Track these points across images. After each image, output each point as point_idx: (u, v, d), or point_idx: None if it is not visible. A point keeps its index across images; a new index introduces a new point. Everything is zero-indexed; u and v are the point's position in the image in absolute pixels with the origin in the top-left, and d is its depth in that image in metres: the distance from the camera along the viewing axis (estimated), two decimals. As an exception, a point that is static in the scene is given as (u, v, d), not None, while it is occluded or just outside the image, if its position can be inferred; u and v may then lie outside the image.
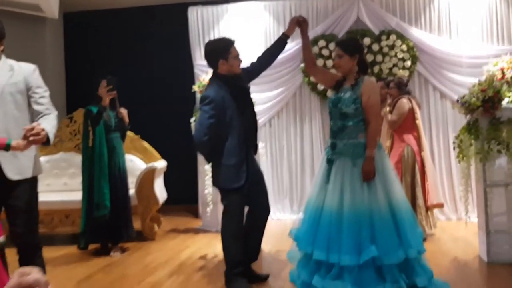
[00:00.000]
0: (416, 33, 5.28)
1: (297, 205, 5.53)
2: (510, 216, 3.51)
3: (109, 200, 4.05)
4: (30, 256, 2.53)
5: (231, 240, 3.03)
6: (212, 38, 5.75)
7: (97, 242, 4.23)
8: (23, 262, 2.50)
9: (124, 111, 4.33)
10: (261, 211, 3.18)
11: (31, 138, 2.21)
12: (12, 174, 2.44)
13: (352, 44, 3.08)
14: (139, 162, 5.08)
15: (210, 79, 3.13)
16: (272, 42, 5.43)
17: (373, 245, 2.69)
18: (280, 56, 3.61)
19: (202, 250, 4.20)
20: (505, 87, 3.67)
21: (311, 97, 5.54)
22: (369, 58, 5.26)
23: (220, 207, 4.77)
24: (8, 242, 2.33)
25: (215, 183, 3.10)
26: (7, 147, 2.23)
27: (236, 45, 3.07)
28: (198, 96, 5.30)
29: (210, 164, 3.18)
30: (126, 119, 4.34)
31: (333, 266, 2.78)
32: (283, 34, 3.29)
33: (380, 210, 2.77)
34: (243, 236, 3.07)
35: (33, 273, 0.92)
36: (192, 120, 5.11)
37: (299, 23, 3.17)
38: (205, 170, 4.61)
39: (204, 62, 5.54)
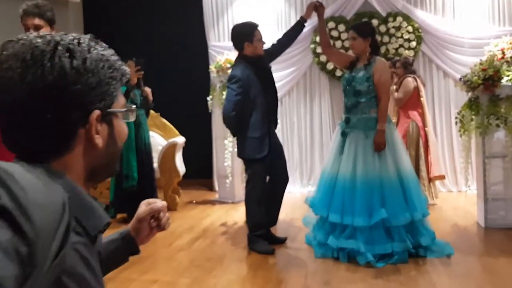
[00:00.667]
0: (421, 15, 5.53)
1: (307, 179, 5.86)
2: (506, 185, 3.85)
3: (136, 172, 4.39)
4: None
5: (254, 206, 3.38)
6: (225, 20, 6.04)
7: (124, 212, 4.58)
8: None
9: (148, 90, 4.63)
10: (281, 180, 3.52)
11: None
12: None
13: (365, 27, 3.38)
14: (159, 138, 5.40)
15: (236, 60, 3.42)
16: (283, 23, 5.81)
17: (383, 209, 3.04)
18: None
19: (222, 219, 4.54)
20: (504, 66, 3.95)
21: (321, 76, 5.82)
22: (377, 37, 5.51)
23: (237, 180, 5.16)
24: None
25: (240, 154, 3.43)
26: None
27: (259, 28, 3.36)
28: (212, 76, 5.57)
29: (235, 137, 3.51)
30: (150, 97, 4.65)
31: (347, 227, 3.13)
32: (301, 18, 3.57)
33: (389, 178, 3.11)
34: (265, 202, 3.41)
35: (158, 201, 1.20)
36: (208, 98, 5.41)
37: (316, 7, 3.45)
38: (225, 144, 4.92)
39: (218, 43, 5.96)
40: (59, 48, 0.73)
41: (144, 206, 1.15)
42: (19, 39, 0.74)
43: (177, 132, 5.46)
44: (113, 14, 6.35)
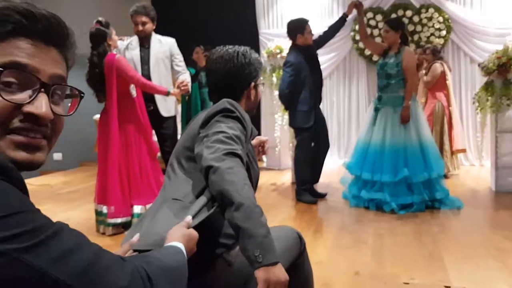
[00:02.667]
0: (451, 7, 6.16)
1: (344, 152, 6.66)
2: (515, 156, 4.54)
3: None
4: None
5: (302, 165, 4.23)
6: (275, 10, 6.83)
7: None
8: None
9: (211, 71, 5.52)
10: (323, 146, 4.34)
11: (182, 88, 3.43)
12: (164, 112, 3.69)
13: (397, 22, 4.11)
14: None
15: (290, 48, 4.23)
16: (326, 13, 6.55)
17: (406, 168, 3.82)
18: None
19: (271, 180, 5.42)
20: None
21: (359, 61, 6.57)
22: (410, 28, 6.20)
23: (283, 150, 6.01)
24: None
25: (291, 123, 4.27)
26: (167, 93, 3.45)
27: (309, 23, 4.16)
28: (263, 60, 6.39)
29: (287, 111, 4.34)
30: (212, 78, 5.54)
31: (376, 183, 3.94)
32: (343, 14, 4.33)
33: (412, 144, 3.88)
34: (310, 163, 4.25)
35: (263, 137, 2.03)
36: (260, 78, 6.24)
37: (356, 5, 4.20)
38: (275, 119, 5.77)
39: (268, 31, 6.76)
40: (239, 53, 1.59)
41: (255, 141, 2.00)
42: (220, 50, 1.61)
43: (231, 108, 6.34)
44: (178, 3, 7.23)
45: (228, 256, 1.37)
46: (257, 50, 6.65)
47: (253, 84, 1.64)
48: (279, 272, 1.15)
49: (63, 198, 4.77)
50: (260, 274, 1.14)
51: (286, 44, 5.51)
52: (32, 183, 5.53)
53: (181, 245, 0.95)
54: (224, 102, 1.47)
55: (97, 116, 5.83)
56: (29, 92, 0.69)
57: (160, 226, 1.20)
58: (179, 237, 1.01)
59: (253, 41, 6.86)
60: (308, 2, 6.61)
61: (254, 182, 1.52)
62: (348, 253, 2.89)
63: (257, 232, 1.17)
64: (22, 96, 0.69)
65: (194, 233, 1.08)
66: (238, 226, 1.18)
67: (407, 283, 2.39)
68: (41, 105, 0.69)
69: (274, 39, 6.23)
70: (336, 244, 3.06)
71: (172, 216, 1.26)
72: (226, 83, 1.60)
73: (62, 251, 0.59)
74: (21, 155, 0.68)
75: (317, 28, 4.94)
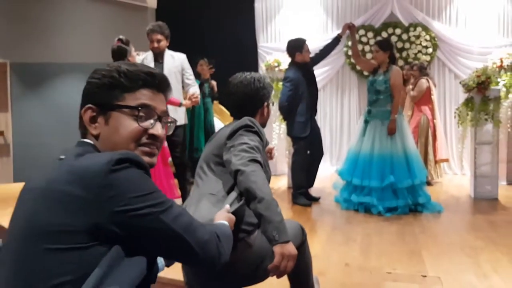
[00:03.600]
0: (438, 26, 6.63)
1: (336, 159, 7.08)
2: (492, 166, 4.98)
3: (204, 145, 5.69)
4: (183, 171, 4.21)
5: (298, 170, 4.63)
6: (273, 24, 7.26)
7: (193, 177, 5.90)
8: (179, 174, 4.18)
9: (214, 83, 5.92)
10: (318, 153, 4.76)
11: (193, 99, 3.83)
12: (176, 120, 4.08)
13: (386, 43, 4.55)
14: (218, 121, 6.68)
15: (289, 65, 4.65)
16: (322, 28, 6.98)
17: (391, 175, 4.24)
18: (327, 42, 5.08)
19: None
20: (493, 75, 5.05)
21: (351, 75, 7.01)
22: (399, 45, 6.66)
23: (280, 157, 6.41)
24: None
25: (289, 133, 4.68)
26: (180, 105, 3.85)
27: (307, 42, 4.58)
28: (261, 72, 6.80)
29: (285, 121, 4.75)
30: (215, 89, 5.94)
31: (365, 188, 4.35)
32: (338, 34, 4.77)
33: (397, 153, 4.31)
34: (306, 169, 4.66)
35: (270, 145, 2.45)
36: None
37: (350, 27, 4.63)
38: (273, 128, 6.17)
39: (267, 44, 7.18)
40: (255, 79, 1.99)
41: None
42: (239, 76, 2.01)
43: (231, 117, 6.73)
44: (182, 17, 7.63)
45: (249, 240, 1.76)
46: (256, 63, 7.09)
47: (266, 104, 2.05)
48: (291, 248, 1.56)
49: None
50: (277, 249, 1.55)
51: (283, 57, 5.94)
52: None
53: (226, 223, 1.35)
54: (246, 120, 1.87)
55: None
56: (151, 121, 1.10)
57: (205, 213, 1.60)
58: (224, 218, 1.41)
59: (252, 54, 7.29)
60: (305, 18, 7.06)
61: (268, 181, 1.93)
62: (339, 248, 3.29)
63: (275, 218, 1.58)
64: (147, 124, 1.09)
65: (233, 216, 1.48)
66: (261, 214, 1.59)
67: (390, 273, 2.79)
68: (158, 129, 1.10)
69: (273, 53, 6.66)
70: (329, 241, 3.46)
71: (211, 206, 1.66)
72: (245, 103, 2.00)
73: (177, 214, 1.00)
74: (146, 159, 1.08)
75: (313, 43, 5.39)
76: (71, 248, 0.88)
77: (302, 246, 2.01)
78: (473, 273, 2.82)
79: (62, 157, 1.07)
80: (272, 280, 1.84)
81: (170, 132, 1.21)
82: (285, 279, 2.03)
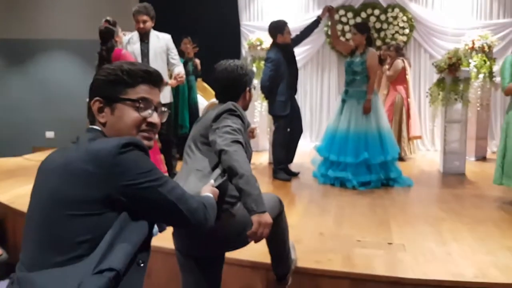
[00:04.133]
0: (414, 8, 6.85)
1: (315, 136, 7.34)
2: (460, 143, 5.30)
3: (188, 122, 5.88)
4: (168, 147, 4.41)
5: (278, 147, 4.87)
6: (256, 3, 7.38)
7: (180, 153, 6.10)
8: (165, 150, 4.38)
9: (197, 61, 6.07)
10: (298, 131, 5.00)
11: (179, 79, 4.00)
12: (161, 99, 4.25)
13: (363, 26, 4.76)
14: (200, 98, 6.85)
15: (271, 45, 4.83)
16: (303, 7, 7.13)
17: (366, 152, 4.51)
18: (307, 22, 5.28)
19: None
20: (463, 57, 5.32)
21: (331, 54, 7.22)
22: (377, 25, 6.88)
23: (261, 134, 6.64)
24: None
25: (270, 111, 4.90)
26: (166, 84, 4.02)
27: (288, 25, 4.76)
28: (244, 50, 6.96)
29: (267, 100, 4.96)
30: (199, 67, 6.09)
31: (341, 164, 4.62)
32: (318, 17, 4.96)
33: (372, 131, 4.57)
34: (286, 145, 4.90)
35: (253, 126, 2.66)
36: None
37: (329, 10, 4.83)
38: (255, 106, 6.38)
39: (249, 23, 7.31)
40: (238, 67, 2.20)
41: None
42: (224, 63, 2.21)
43: (214, 94, 6.91)
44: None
45: (232, 210, 1.99)
46: (239, 41, 7.23)
47: (248, 89, 2.26)
48: (267, 217, 1.81)
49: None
50: (255, 218, 1.79)
51: (266, 36, 6.08)
52: (32, 158, 6.02)
53: (211, 195, 1.58)
54: (229, 104, 2.09)
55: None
56: (149, 111, 1.31)
57: (192, 186, 1.82)
58: (209, 191, 1.64)
59: (235, 33, 7.42)
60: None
61: (249, 159, 2.15)
62: (315, 219, 3.58)
63: (253, 192, 1.81)
64: (146, 113, 1.30)
65: (217, 190, 1.72)
66: (241, 188, 1.82)
67: (359, 241, 3.08)
68: (155, 117, 1.31)
69: (255, 31, 6.81)
70: (305, 213, 3.74)
71: (197, 180, 1.88)
72: (229, 88, 2.21)
73: (171, 187, 1.23)
74: (146, 142, 1.30)
75: (294, 22, 5.57)
76: (89, 214, 1.10)
77: (280, 216, 2.27)
78: (433, 240, 3.13)
79: (75, 141, 1.28)
80: (254, 246, 2.09)
81: (164, 120, 1.42)
82: (265, 245, 2.29)
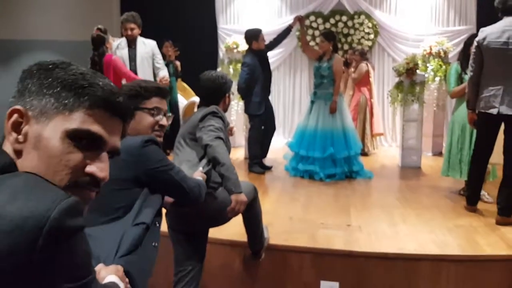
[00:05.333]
0: (379, 15, 7.42)
1: (287, 133, 7.86)
2: (417, 139, 5.89)
3: (170, 121, 6.30)
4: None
5: (254, 143, 5.37)
6: (232, 7, 7.82)
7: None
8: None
9: (178, 63, 6.49)
10: (271, 128, 5.51)
11: (164, 82, 4.44)
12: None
13: (330, 34, 5.28)
14: (180, 97, 7.27)
15: (247, 51, 5.31)
16: (275, 12, 7.62)
17: (331, 147, 5.05)
18: (280, 26, 5.77)
19: (227, 156, 6.51)
20: (420, 61, 5.92)
21: (302, 57, 7.74)
22: (345, 31, 7.44)
23: (237, 131, 7.10)
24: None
25: (246, 110, 5.39)
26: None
27: (262, 32, 5.25)
28: (221, 53, 7.40)
29: (243, 100, 5.44)
30: (179, 69, 6.52)
31: (310, 158, 5.15)
32: (289, 25, 5.47)
33: (337, 129, 5.11)
34: (260, 142, 5.40)
35: (231, 125, 3.13)
36: (219, 69, 7.27)
37: (300, 19, 5.34)
38: (232, 105, 6.83)
39: (226, 26, 7.76)
40: (220, 76, 2.68)
41: None
42: (208, 73, 2.68)
43: (193, 93, 7.33)
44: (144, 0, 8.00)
45: (214, 193, 2.47)
46: (216, 44, 7.67)
47: (227, 94, 2.73)
48: (242, 197, 2.31)
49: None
50: (233, 197, 2.29)
51: (242, 40, 6.54)
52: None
53: (201, 179, 2.06)
54: (213, 108, 2.56)
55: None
56: (160, 116, 1.78)
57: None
58: (199, 175, 2.12)
59: (213, 36, 7.84)
60: (261, 3, 7.67)
61: (228, 151, 2.63)
62: (285, 206, 4.09)
63: (232, 177, 2.30)
64: (158, 118, 1.77)
65: (205, 175, 2.20)
66: (223, 174, 2.31)
67: (323, 223, 3.60)
68: (164, 121, 1.78)
69: (232, 35, 7.26)
70: (277, 201, 4.25)
71: (188, 168, 2.35)
72: (211, 94, 2.68)
73: (177, 170, 1.71)
74: (158, 139, 1.76)
75: (268, 26, 6.09)
76: (124, 189, 1.56)
77: (254, 201, 2.75)
78: (386, 223, 3.68)
79: None
80: (233, 228, 2.58)
81: (170, 122, 1.89)
82: (243, 227, 2.78)
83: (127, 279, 1.14)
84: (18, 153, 0.78)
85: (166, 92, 1.85)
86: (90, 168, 0.81)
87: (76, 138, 0.79)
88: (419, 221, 3.72)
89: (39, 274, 0.64)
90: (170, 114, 1.89)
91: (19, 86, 0.81)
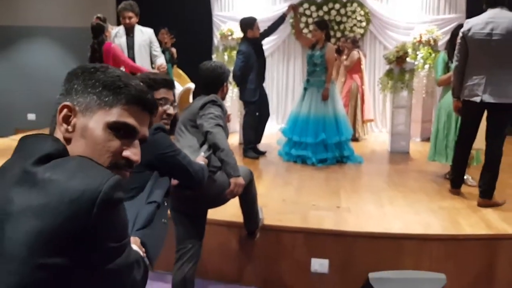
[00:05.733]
0: (371, 3, 7.56)
1: (281, 119, 8.03)
2: (405, 125, 6.09)
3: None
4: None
5: (248, 129, 5.54)
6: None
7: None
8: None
9: (173, 50, 6.61)
10: (265, 115, 5.68)
11: (161, 69, 4.58)
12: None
13: (323, 23, 5.42)
14: (176, 84, 7.39)
15: (242, 39, 5.45)
16: (269, 1, 7.72)
17: (323, 133, 5.24)
18: (274, 14, 5.88)
19: (222, 141, 6.68)
20: (410, 50, 6.09)
21: (296, 44, 7.87)
22: (338, 18, 7.58)
23: (233, 117, 7.24)
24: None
25: (241, 97, 5.55)
26: (150, 74, 4.58)
27: (257, 21, 5.38)
28: (216, 40, 7.51)
29: (238, 87, 5.60)
30: (175, 55, 6.64)
31: (302, 143, 5.33)
32: (283, 13, 5.60)
33: (329, 115, 5.29)
34: (255, 128, 5.57)
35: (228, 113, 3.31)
36: (213, 56, 7.40)
37: (294, 8, 5.47)
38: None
39: (221, 13, 7.85)
40: (218, 66, 2.84)
41: None
42: (207, 64, 2.84)
43: (189, 80, 7.47)
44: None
45: (214, 177, 2.65)
46: (211, 31, 7.78)
47: (225, 83, 2.89)
48: (240, 180, 2.49)
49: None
50: (232, 180, 2.47)
51: (236, 27, 6.66)
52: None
53: (203, 163, 2.24)
54: (212, 96, 2.72)
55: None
56: (167, 105, 1.94)
57: None
58: (201, 160, 2.29)
59: (208, 23, 7.94)
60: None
61: (226, 136, 2.81)
62: (279, 189, 4.28)
63: (231, 161, 2.48)
64: (165, 107, 1.93)
65: (206, 160, 2.38)
66: (222, 159, 2.49)
67: (314, 205, 3.80)
68: (171, 110, 1.95)
69: (227, 22, 7.36)
70: (271, 184, 4.44)
71: (190, 154, 2.52)
72: (210, 83, 2.84)
73: (184, 155, 1.89)
74: (166, 127, 1.93)
75: (263, 14, 6.21)
76: (137, 172, 1.72)
77: (250, 184, 2.94)
78: (373, 204, 3.89)
79: None
80: (229, 210, 2.76)
81: (176, 111, 2.05)
82: (239, 208, 2.97)
83: (143, 249, 1.32)
84: (68, 141, 0.96)
85: (172, 83, 2.02)
86: (126, 153, 1.00)
87: (115, 128, 0.97)
88: (405, 203, 3.94)
89: (92, 235, 0.81)
90: (175, 104, 2.05)
91: (66, 86, 0.98)
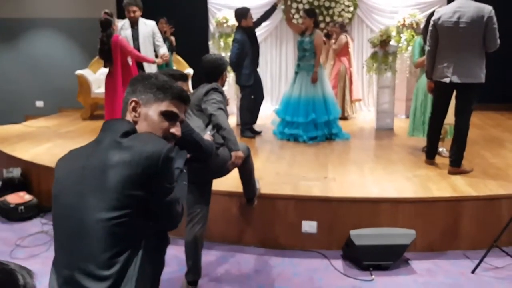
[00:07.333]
0: (358, -12, 7.99)
1: (275, 100, 8.52)
2: (390, 104, 6.60)
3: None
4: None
5: (245, 111, 6.04)
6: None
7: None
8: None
9: (173, 38, 7.05)
10: (260, 97, 6.17)
11: (164, 58, 5.05)
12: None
13: (311, 11, 5.88)
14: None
15: (237, 28, 5.91)
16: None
17: (313, 113, 5.74)
18: (266, 1, 6.32)
19: (221, 123, 7.18)
20: (394, 33, 6.55)
21: (287, 29, 8.28)
22: (326, 4, 8.00)
23: (230, 100, 7.72)
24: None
25: (237, 82, 6.04)
26: (154, 62, 5.05)
27: (250, 11, 5.83)
28: (212, 27, 7.93)
29: (235, 72, 6.07)
30: (174, 43, 7.09)
31: (294, 123, 5.84)
32: (274, 3, 6.05)
33: (318, 96, 5.79)
34: (251, 109, 6.07)
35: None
36: (210, 43, 7.83)
37: (283, -2, 5.93)
38: (223, 75, 7.44)
39: (216, 1, 8.25)
40: (219, 58, 3.33)
41: None
42: (208, 56, 3.34)
43: (187, 65, 7.92)
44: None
45: (217, 151, 3.16)
46: (206, 19, 8.19)
47: (224, 73, 3.38)
48: (240, 153, 3.02)
49: (64, 136, 6.23)
50: (233, 153, 2.99)
51: (231, 15, 7.09)
52: (31, 125, 6.94)
53: (211, 141, 2.75)
54: (214, 84, 3.22)
55: (79, 71, 7.27)
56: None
57: None
58: (208, 137, 2.81)
59: (203, 10, 8.34)
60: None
61: (227, 118, 3.31)
62: (273, 164, 4.81)
63: (231, 138, 3.00)
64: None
65: (213, 137, 2.89)
66: (224, 136, 3.01)
67: (304, 176, 4.33)
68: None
69: (222, 9, 7.77)
70: (267, 160, 4.97)
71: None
72: (212, 73, 3.33)
73: (197, 133, 2.41)
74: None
75: (255, 1, 6.63)
76: None
77: (248, 157, 3.46)
78: (357, 175, 4.42)
79: None
80: (230, 181, 3.28)
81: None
82: (239, 179, 3.48)
83: None
84: (135, 123, 1.55)
85: (186, 77, 2.52)
86: (172, 130, 1.59)
87: (165, 115, 1.56)
88: (384, 173, 4.47)
89: (159, 177, 1.40)
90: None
91: (132, 87, 1.54)
